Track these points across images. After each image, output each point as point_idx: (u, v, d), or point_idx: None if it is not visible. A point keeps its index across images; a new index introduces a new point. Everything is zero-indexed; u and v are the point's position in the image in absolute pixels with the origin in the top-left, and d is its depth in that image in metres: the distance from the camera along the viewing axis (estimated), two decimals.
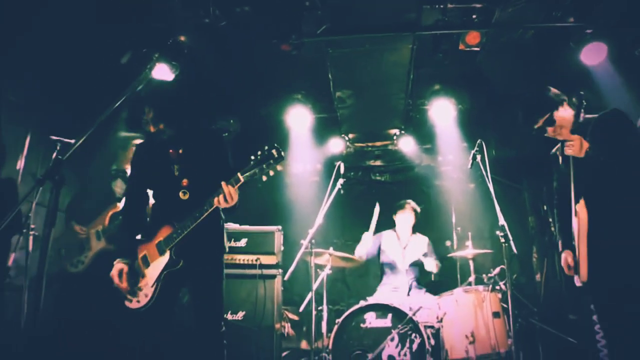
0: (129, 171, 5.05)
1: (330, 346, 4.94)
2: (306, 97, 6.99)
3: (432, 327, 5.07)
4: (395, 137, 7.68)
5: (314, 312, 5.20)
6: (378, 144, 7.94)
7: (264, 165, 3.03)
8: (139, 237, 3.51)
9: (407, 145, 7.70)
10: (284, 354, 6.03)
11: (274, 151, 3.02)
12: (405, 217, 6.29)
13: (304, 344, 6.60)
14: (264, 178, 3.06)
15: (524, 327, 5.16)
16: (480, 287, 5.09)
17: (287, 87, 6.89)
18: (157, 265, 3.34)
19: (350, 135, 7.72)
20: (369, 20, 5.28)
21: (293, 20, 5.23)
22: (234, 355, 4.88)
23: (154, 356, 3.28)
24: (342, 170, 5.50)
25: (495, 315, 4.91)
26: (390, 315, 5.03)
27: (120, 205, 4.92)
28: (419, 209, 6.38)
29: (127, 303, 3.37)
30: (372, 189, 8.32)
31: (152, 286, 3.32)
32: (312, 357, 5.23)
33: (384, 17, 5.22)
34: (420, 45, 5.58)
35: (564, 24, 5.12)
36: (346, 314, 5.09)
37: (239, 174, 3.07)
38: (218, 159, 3.45)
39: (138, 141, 5.11)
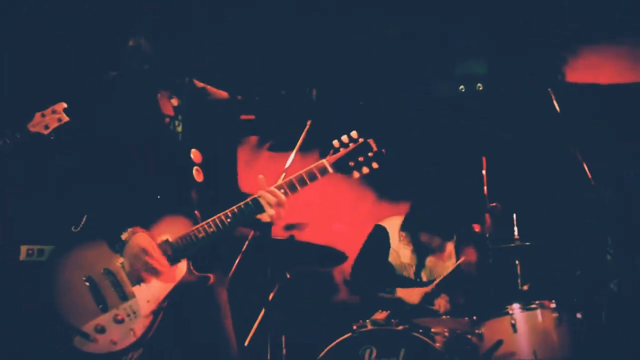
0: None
1: None
2: None
3: None
4: None
5: None
6: None
7: (359, 158, 2.04)
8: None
9: None
10: None
11: (370, 141, 2.06)
12: None
13: None
14: (356, 175, 2.06)
15: None
16: None
17: None
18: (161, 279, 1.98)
19: None
20: None
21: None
22: None
23: None
24: None
25: None
26: None
27: None
28: None
29: (80, 344, 1.88)
30: None
31: (148, 315, 1.94)
32: None
33: None
34: None
35: None
36: None
37: (324, 161, 2.03)
38: None
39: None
